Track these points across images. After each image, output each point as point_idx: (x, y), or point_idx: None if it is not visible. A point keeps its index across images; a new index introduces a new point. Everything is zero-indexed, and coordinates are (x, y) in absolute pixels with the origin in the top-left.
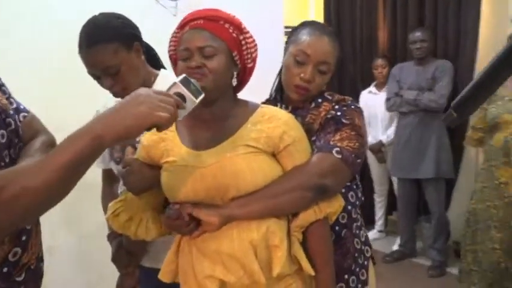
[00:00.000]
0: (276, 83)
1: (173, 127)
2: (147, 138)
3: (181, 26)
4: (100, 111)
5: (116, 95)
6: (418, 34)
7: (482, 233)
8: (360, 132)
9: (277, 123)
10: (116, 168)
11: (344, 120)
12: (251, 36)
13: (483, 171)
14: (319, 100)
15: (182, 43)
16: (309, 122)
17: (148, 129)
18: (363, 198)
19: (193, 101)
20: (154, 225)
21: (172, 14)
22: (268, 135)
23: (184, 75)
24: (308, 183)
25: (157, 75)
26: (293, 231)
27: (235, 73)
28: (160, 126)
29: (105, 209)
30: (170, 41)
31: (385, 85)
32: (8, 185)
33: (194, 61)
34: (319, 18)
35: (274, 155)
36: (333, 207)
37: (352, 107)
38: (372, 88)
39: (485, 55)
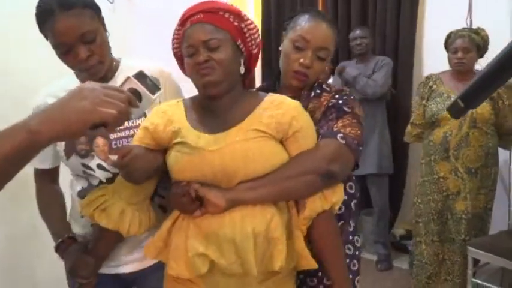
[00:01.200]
0: (270, 73)
1: (183, 112)
2: (151, 121)
3: (182, 23)
4: (39, 107)
5: (89, 70)
6: (358, 32)
7: (425, 226)
8: (360, 121)
9: (286, 109)
10: (77, 161)
11: (345, 108)
12: (252, 22)
13: (423, 165)
14: (318, 91)
15: (185, 40)
16: (311, 111)
17: (94, 127)
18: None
19: (149, 97)
20: (145, 219)
21: (109, 1)
22: (278, 121)
23: (139, 70)
24: (316, 168)
25: (118, 62)
26: (301, 224)
27: (242, 61)
28: (107, 124)
29: (43, 210)
30: (173, 39)
31: (327, 81)
32: None
33: (201, 56)
34: (258, 15)
35: (281, 141)
36: (337, 196)
37: (351, 97)
38: None
39: (422, 52)
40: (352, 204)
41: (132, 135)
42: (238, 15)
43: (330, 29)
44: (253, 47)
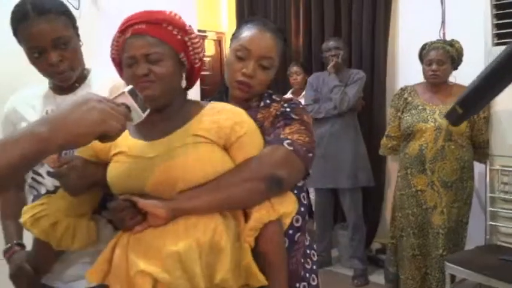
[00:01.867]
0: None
1: None
2: None
3: (122, 30)
4: (8, 115)
5: (59, 74)
6: (331, 43)
7: (405, 240)
8: (308, 128)
9: (228, 115)
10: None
11: (293, 116)
12: (196, 37)
13: (400, 179)
14: (268, 101)
15: (126, 49)
16: (260, 121)
17: (97, 138)
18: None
19: (139, 115)
20: (81, 233)
21: (75, 8)
22: (220, 126)
23: (131, 86)
24: (261, 174)
25: (88, 71)
26: (246, 236)
27: (183, 74)
28: (110, 137)
29: (7, 216)
30: (112, 44)
31: (301, 92)
32: None
33: (140, 69)
34: (232, 25)
35: (225, 148)
36: (287, 207)
37: (300, 106)
38: (289, 95)
39: (395, 65)
40: (306, 215)
41: None
42: (182, 29)
43: (273, 38)
44: (196, 60)
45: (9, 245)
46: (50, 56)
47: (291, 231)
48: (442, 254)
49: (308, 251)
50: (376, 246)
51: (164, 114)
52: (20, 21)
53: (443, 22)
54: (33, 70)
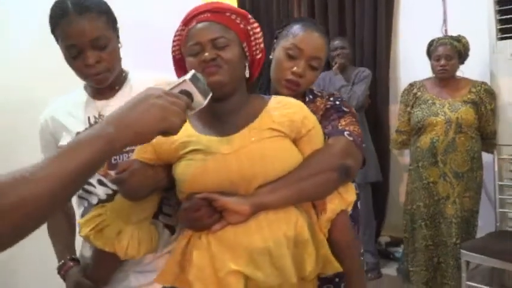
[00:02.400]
0: (261, 81)
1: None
2: None
3: (186, 22)
4: (46, 125)
5: (95, 76)
6: (337, 42)
7: (417, 232)
8: (358, 120)
9: (295, 109)
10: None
11: (344, 108)
12: (258, 27)
13: (412, 172)
14: (311, 96)
15: (190, 38)
16: None
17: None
18: None
19: (200, 102)
20: (145, 240)
21: None
22: (291, 120)
23: (193, 71)
24: (333, 165)
25: (127, 74)
26: (323, 226)
27: (246, 65)
28: (170, 133)
29: (50, 229)
30: (174, 40)
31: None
32: (8, 193)
33: (207, 52)
34: None
35: (294, 140)
36: (352, 195)
37: (345, 99)
38: None
39: (397, 62)
40: (358, 204)
41: (132, 150)
42: (245, 18)
43: (323, 39)
44: (258, 51)
45: (63, 261)
46: (87, 56)
47: None
48: (455, 243)
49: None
50: (385, 239)
51: (228, 105)
52: (58, 18)
53: (445, 19)
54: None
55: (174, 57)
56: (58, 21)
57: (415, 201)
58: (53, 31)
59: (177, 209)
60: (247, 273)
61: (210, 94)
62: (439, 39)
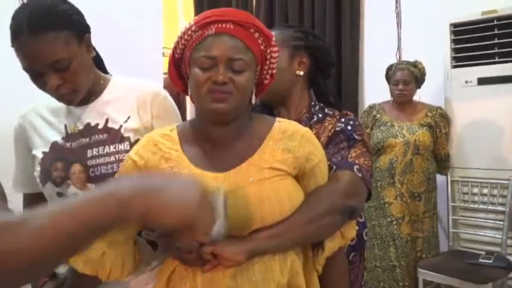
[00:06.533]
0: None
1: (177, 145)
2: (140, 155)
3: (203, 25)
4: (20, 131)
5: (61, 98)
6: None
7: (369, 251)
8: (369, 150)
9: (301, 141)
10: (53, 190)
11: (356, 136)
12: (277, 51)
13: None
14: (320, 115)
15: (205, 48)
16: (315, 136)
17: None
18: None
19: (219, 231)
20: (129, 261)
21: None
22: (295, 156)
23: (224, 196)
24: (337, 206)
25: (107, 79)
26: (318, 265)
27: (254, 88)
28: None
29: None
30: (180, 38)
31: None
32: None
33: (221, 75)
34: (189, 18)
35: (296, 176)
36: (352, 232)
37: (357, 122)
38: None
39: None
40: (363, 234)
41: (112, 162)
42: (268, 39)
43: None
44: (268, 76)
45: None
46: (48, 80)
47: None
48: (414, 259)
49: (362, 269)
50: None
51: (229, 131)
52: (13, 35)
53: (399, 46)
54: None
55: (173, 57)
56: (13, 38)
57: (369, 220)
58: (12, 44)
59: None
60: None
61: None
62: (397, 64)
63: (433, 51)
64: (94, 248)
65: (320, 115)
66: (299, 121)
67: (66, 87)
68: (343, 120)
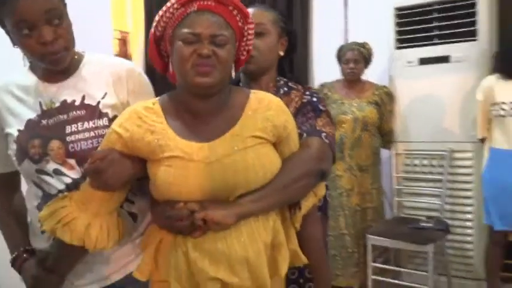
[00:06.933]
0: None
1: (162, 118)
2: (125, 127)
3: (185, 3)
4: None
5: (55, 56)
6: None
7: None
8: (332, 119)
9: (277, 110)
10: (31, 167)
11: (321, 107)
12: (253, 28)
13: None
14: (286, 88)
15: (189, 25)
16: None
17: None
18: None
19: None
20: (113, 231)
21: None
22: (274, 125)
23: None
24: (312, 170)
25: (80, 55)
26: (296, 222)
27: (233, 63)
28: None
29: (6, 221)
30: (161, 16)
31: None
32: None
33: (206, 49)
34: (137, 24)
35: (274, 143)
36: (323, 189)
37: (320, 95)
38: None
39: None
40: (327, 195)
41: (91, 138)
42: (245, 17)
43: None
44: (244, 52)
45: (16, 253)
46: (43, 32)
47: None
48: (363, 228)
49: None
50: None
51: (211, 103)
52: None
53: (346, 28)
54: None
55: (154, 34)
56: None
57: None
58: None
59: (151, 206)
60: (224, 280)
61: None
62: (347, 44)
63: (379, 34)
64: (80, 219)
65: (286, 88)
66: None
67: (59, 43)
68: (308, 93)
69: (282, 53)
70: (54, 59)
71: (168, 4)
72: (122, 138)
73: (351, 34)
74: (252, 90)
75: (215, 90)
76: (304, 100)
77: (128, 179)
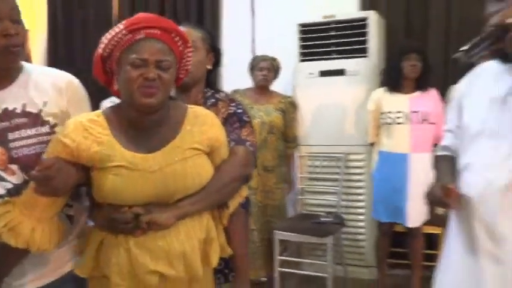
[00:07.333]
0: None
1: (107, 130)
2: (72, 138)
3: (133, 30)
4: None
5: (13, 48)
6: None
7: None
8: (253, 129)
9: (211, 124)
10: None
11: (245, 118)
12: (191, 51)
13: None
14: (213, 100)
15: (137, 51)
16: None
17: None
18: None
19: None
20: (55, 234)
21: None
22: (209, 137)
23: None
24: (239, 175)
25: (20, 63)
26: (225, 219)
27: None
28: None
29: None
30: (109, 39)
31: None
32: None
33: (152, 72)
34: (40, 22)
35: (208, 153)
36: (246, 189)
37: (244, 107)
38: (113, 98)
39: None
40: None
41: (34, 144)
42: (185, 41)
43: None
44: (183, 72)
45: None
46: (7, 26)
47: None
48: (264, 223)
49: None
50: None
51: (153, 118)
52: None
53: (253, 41)
54: None
55: (101, 55)
56: None
57: None
58: None
59: (98, 213)
60: (162, 272)
61: None
62: (261, 56)
63: (284, 47)
64: (25, 223)
65: (213, 100)
66: (197, 104)
67: (18, 39)
68: (233, 104)
69: (209, 67)
70: (13, 51)
71: (117, 29)
72: (68, 147)
73: (258, 47)
74: (189, 106)
75: (159, 107)
76: (230, 111)
77: (73, 185)
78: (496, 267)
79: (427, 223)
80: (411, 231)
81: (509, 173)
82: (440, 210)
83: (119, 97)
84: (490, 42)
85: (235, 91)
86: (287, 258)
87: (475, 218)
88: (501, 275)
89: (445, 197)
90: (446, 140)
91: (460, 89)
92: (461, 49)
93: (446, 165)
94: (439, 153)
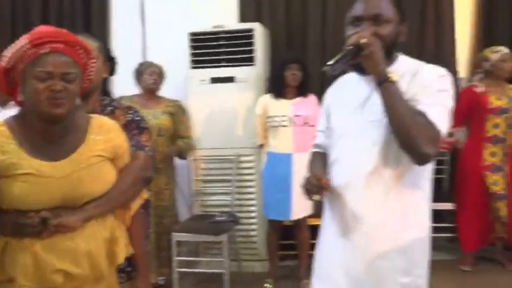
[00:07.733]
0: None
1: (11, 139)
2: None
3: (37, 44)
4: None
5: None
6: None
7: None
8: (151, 134)
9: (115, 133)
10: None
11: (143, 125)
12: (95, 62)
13: None
14: (110, 108)
15: (42, 65)
16: None
17: None
18: None
19: None
20: None
21: None
22: (114, 145)
23: None
24: (140, 178)
25: None
26: (127, 219)
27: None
28: None
29: None
30: (12, 53)
31: None
32: None
33: (58, 85)
34: None
35: (111, 159)
36: (146, 193)
37: (141, 114)
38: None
39: None
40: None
41: None
42: (88, 53)
43: None
44: (87, 81)
45: None
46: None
47: None
48: (156, 224)
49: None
50: None
51: (59, 127)
52: None
53: (144, 47)
54: None
55: (4, 67)
56: None
57: None
58: None
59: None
60: (68, 270)
61: None
62: (149, 62)
63: (176, 54)
64: None
65: (110, 107)
66: (94, 111)
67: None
68: (130, 112)
69: (105, 75)
70: None
71: (20, 44)
72: None
73: (150, 54)
74: (91, 115)
75: (65, 117)
76: (129, 118)
77: None
78: (360, 238)
79: (312, 216)
80: (297, 224)
81: (374, 159)
82: (316, 197)
83: (21, 107)
84: (349, 58)
85: (122, 97)
86: (185, 258)
87: (343, 202)
88: (364, 246)
89: (318, 184)
90: (319, 139)
91: (327, 96)
92: (327, 63)
93: (319, 160)
94: (313, 150)
